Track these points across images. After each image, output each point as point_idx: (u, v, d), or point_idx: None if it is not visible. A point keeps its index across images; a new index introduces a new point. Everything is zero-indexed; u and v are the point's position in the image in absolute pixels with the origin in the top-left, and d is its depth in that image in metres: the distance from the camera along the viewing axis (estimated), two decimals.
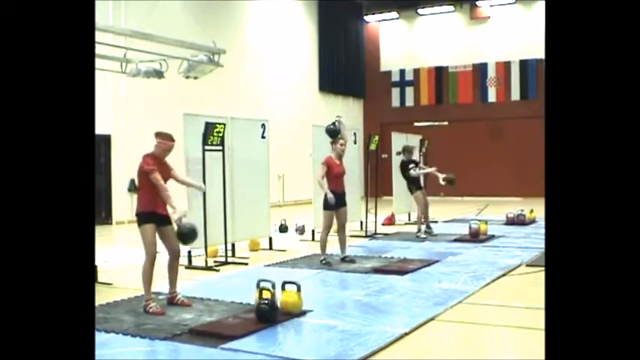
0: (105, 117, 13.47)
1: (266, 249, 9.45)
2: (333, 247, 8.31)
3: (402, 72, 24.00)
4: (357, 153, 11.66)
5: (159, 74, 9.99)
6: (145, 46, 9.93)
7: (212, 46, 10.22)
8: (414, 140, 13.16)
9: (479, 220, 10.99)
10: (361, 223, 11.60)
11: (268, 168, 9.65)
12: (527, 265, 7.56)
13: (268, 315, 4.86)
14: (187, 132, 8.03)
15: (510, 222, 12.18)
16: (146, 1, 13.62)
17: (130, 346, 4.45)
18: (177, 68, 10.27)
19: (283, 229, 11.42)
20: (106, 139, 13.95)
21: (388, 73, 24.28)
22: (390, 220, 13.00)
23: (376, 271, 7.29)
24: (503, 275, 7.02)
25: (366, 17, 24.54)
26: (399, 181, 12.80)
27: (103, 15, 12.75)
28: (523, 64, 21.94)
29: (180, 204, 5.78)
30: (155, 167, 5.39)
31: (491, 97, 22.67)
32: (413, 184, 10.59)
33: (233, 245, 8.72)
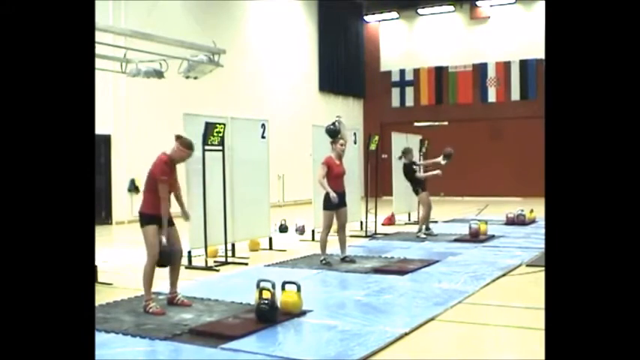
0: (105, 117, 13.47)
1: (266, 249, 9.45)
2: (333, 247, 8.31)
3: (402, 72, 24.00)
4: (357, 153, 11.66)
5: (159, 74, 9.99)
6: (145, 46, 9.93)
7: (212, 46, 10.23)
8: (414, 140, 13.17)
9: (479, 220, 10.99)
10: (361, 223, 11.61)
11: (268, 168, 9.65)
12: (527, 265, 7.56)
13: (268, 315, 4.86)
14: (187, 132, 7.98)
15: (510, 222, 12.19)
16: (146, 1, 13.62)
17: (130, 346, 4.45)
18: (177, 68, 10.27)
19: (283, 229, 11.43)
20: (106, 139, 13.95)
21: (388, 73, 24.28)
22: (390, 220, 13.00)
23: (376, 271, 7.29)
24: (503, 275, 7.03)
25: (366, 17, 24.54)
26: (399, 181, 12.81)
27: (103, 15, 12.76)
28: (523, 64, 21.95)
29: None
30: (167, 177, 5.37)
31: (492, 97, 22.68)
32: (418, 185, 10.62)
33: (233, 245, 8.72)
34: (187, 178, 7.83)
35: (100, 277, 6.90)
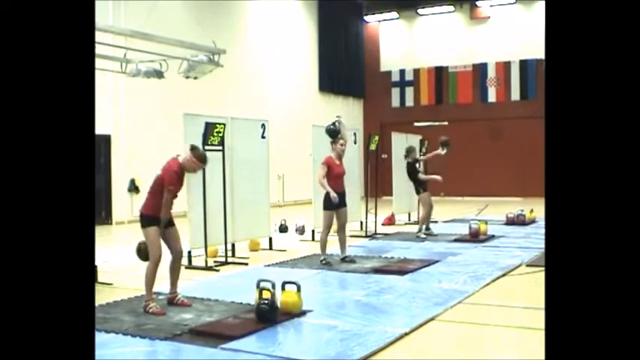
0: (105, 117, 13.47)
1: (266, 249, 9.45)
2: (333, 247, 8.31)
3: (402, 72, 24.00)
4: (357, 153, 11.66)
5: (159, 74, 9.99)
6: (145, 46, 9.93)
7: (212, 46, 10.23)
8: (414, 140, 13.16)
9: (479, 220, 10.99)
10: (361, 223, 11.61)
11: (268, 168, 9.65)
12: (527, 265, 7.56)
13: (268, 315, 4.86)
14: (187, 132, 8.03)
15: (510, 222, 12.18)
16: (146, 1, 13.62)
17: (130, 346, 4.45)
18: (177, 68, 10.27)
19: (283, 229, 11.42)
20: (106, 139, 13.95)
21: (388, 73, 24.28)
22: (390, 220, 13.00)
23: (376, 271, 7.29)
24: (503, 275, 7.02)
25: (366, 17, 24.54)
26: (399, 181, 12.82)
27: (103, 15, 12.76)
28: (523, 64, 21.95)
29: (180, 203, 5.79)
30: (175, 188, 5.36)
31: (491, 97, 22.68)
32: (420, 185, 10.63)
33: (233, 245, 8.72)
34: (187, 178, 7.82)
35: (100, 277, 6.89)
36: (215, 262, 8.09)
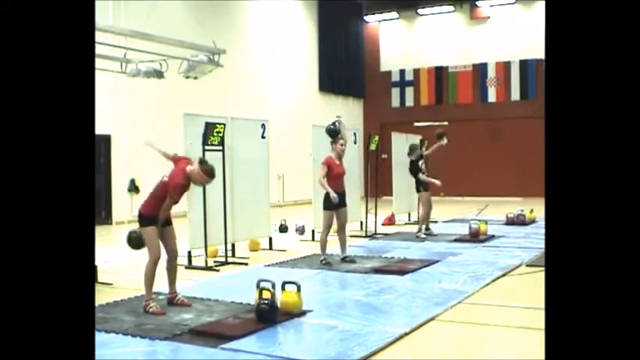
0: (105, 117, 13.47)
1: (266, 249, 9.45)
2: (333, 247, 8.31)
3: (402, 72, 24.00)
4: (357, 153, 11.66)
5: (159, 74, 10.00)
6: (145, 46, 9.93)
7: (212, 46, 10.23)
8: (414, 140, 13.13)
9: (479, 220, 10.99)
10: (361, 223, 11.60)
11: (268, 168, 9.65)
12: (527, 265, 7.56)
13: (268, 315, 4.86)
14: (187, 132, 8.03)
15: (510, 222, 12.18)
16: (146, 1, 13.62)
17: (130, 346, 4.45)
18: (177, 68, 10.28)
19: (283, 229, 11.42)
20: (106, 139, 13.95)
21: (388, 73, 24.28)
22: (390, 220, 13.00)
23: (376, 271, 7.28)
24: (503, 275, 7.02)
25: (366, 17, 24.55)
26: (399, 181, 12.83)
27: (103, 15, 12.76)
28: (523, 64, 21.95)
29: (180, 203, 5.78)
30: (178, 197, 5.35)
31: (491, 97, 22.68)
32: (421, 184, 10.62)
33: (233, 245, 8.72)
34: None
35: (100, 277, 6.89)
36: (215, 262, 8.09)
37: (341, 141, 7.82)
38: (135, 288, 6.21)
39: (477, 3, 22.67)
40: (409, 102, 23.95)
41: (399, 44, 24.35)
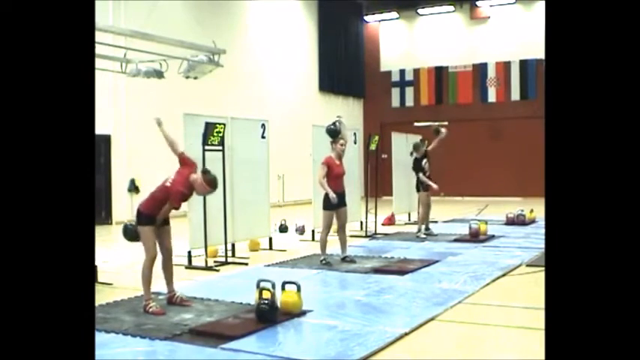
0: (105, 117, 13.47)
1: (266, 249, 9.45)
2: (333, 247, 8.31)
3: (402, 72, 24.00)
4: (357, 153, 11.66)
5: (159, 74, 9.99)
6: (145, 46, 9.93)
7: (212, 46, 10.22)
8: (414, 140, 13.11)
9: (479, 220, 10.99)
10: (361, 223, 11.60)
11: (268, 168, 9.65)
12: (527, 265, 7.56)
13: (268, 315, 4.86)
14: (187, 132, 8.03)
15: (510, 222, 12.18)
16: (146, 1, 13.62)
17: (130, 346, 4.45)
18: (177, 68, 10.27)
19: (283, 229, 11.42)
20: (106, 139, 13.95)
21: (388, 73, 24.28)
22: (390, 220, 13.00)
23: (376, 271, 7.28)
24: (503, 275, 7.02)
25: (366, 17, 24.55)
26: (399, 181, 12.83)
27: (103, 15, 12.76)
28: (523, 64, 21.95)
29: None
30: (179, 205, 5.36)
31: (491, 97, 22.68)
32: (421, 183, 10.62)
33: (233, 245, 8.72)
34: None
35: (100, 277, 6.89)
36: (215, 262, 8.09)
37: (341, 141, 7.82)
38: (135, 288, 6.20)
39: (477, 3, 22.66)
40: (409, 102, 23.95)
41: (399, 44, 24.34)
